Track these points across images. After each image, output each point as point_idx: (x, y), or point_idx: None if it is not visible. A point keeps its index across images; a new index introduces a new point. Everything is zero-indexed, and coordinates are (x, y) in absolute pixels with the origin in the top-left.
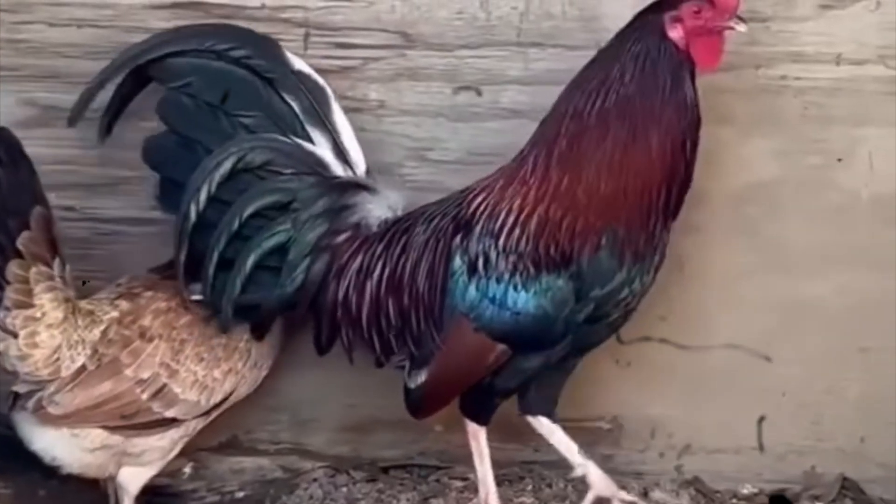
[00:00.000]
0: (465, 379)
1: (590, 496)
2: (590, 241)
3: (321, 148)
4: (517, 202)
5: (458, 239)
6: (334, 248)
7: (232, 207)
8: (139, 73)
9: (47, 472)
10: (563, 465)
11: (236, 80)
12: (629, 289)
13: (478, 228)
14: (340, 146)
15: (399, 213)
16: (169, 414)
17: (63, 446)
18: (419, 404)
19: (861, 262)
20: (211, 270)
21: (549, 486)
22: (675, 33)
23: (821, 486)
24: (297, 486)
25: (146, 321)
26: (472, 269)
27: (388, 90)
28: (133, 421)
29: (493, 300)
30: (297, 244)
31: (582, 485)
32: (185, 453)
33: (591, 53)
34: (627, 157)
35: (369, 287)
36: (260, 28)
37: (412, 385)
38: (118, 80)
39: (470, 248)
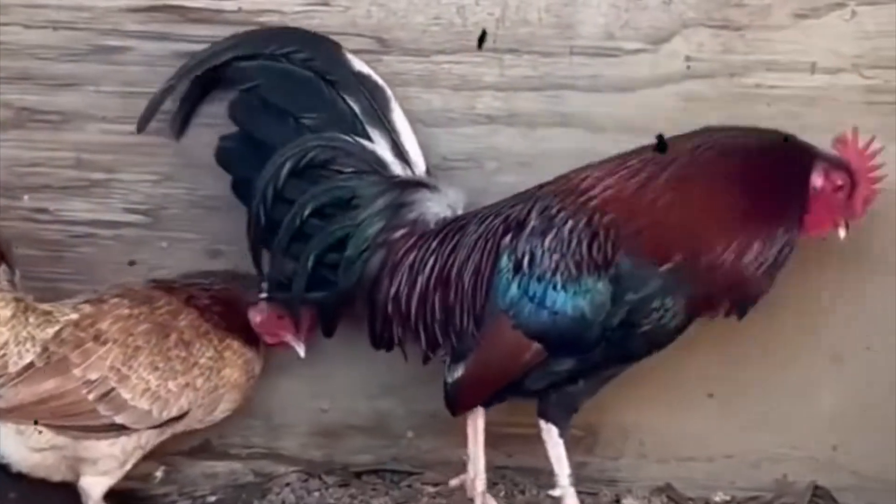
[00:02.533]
0: (500, 376)
1: None
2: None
3: (381, 147)
4: (588, 196)
5: (507, 238)
6: (391, 244)
7: (293, 207)
8: (206, 77)
9: (17, 474)
10: (535, 471)
11: (301, 81)
12: (662, 301)
13: (528, 229)
14: (400, 146)
15: (459, 211)
16: (118, 420)
17: (10, 443)
18: (455, 399)
19: (836, 269)
20: (275, 269)
21: (522, 492)
22: (817, 180)
23: (793, 493)
24: (269, 490)
25: (104, 325)
26: (517, 268)
27: None
28: (78, 422)
29: (532, 298)
30: (355, 239)
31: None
32: (157, 457)
33: (567, 60)
34: (710, 235)
35: (420, 281)
36: (235, 32)
37: (450, 379)
38: (186, 85)
39: (518, 248)
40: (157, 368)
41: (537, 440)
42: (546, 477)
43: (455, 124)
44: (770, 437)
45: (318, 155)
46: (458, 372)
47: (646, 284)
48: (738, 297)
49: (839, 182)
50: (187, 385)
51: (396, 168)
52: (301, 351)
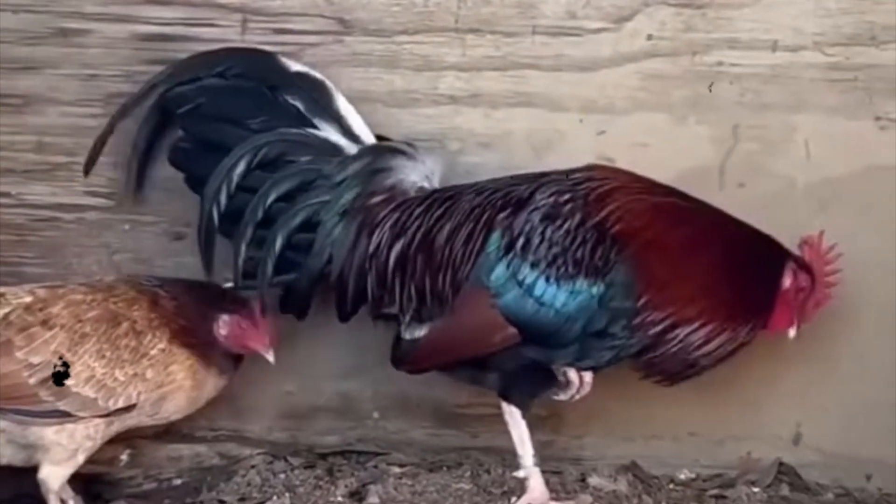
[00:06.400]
0: (465, 348)
1: (523, 501)
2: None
3: (332, 135)
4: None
5: (503, 214)
6: (368, 209)
7: (255, 197)
8: (157, 117)
9: None
10: (501, 451)
11: (241, 92)
12: (641, 317)
13: (529, 209)
14: (350, 131)
15: (436, 181)
16: (61, 406)
17: None
18: (408, 357)
19: (796, 247)
20: (241, 258)
21: (488, 472)
22: (787, 280)
23: (757, 471)
24: (235, 472)
25: (55, 309)
26: (508, 247)
27: (325, 76)
28: (20, 406)
29: (520, 283)
30: (330, 209)
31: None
32: (122, 440)
33: (529, 40)
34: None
35: (402, 242)
36: (196, 13)
37: (407, 336)
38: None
39: (514, 226)
40: (103, 356)
41: (501, 421)
42: (511, 457)
43: (417, 105)
44: (734, 414)
45: (270, 150)
46: (420, 332)
47: (630, 299)
48: (676, 373)
49: (803, 284)
50: (136, 375)
51: (352, 150)
52: (271, 358)
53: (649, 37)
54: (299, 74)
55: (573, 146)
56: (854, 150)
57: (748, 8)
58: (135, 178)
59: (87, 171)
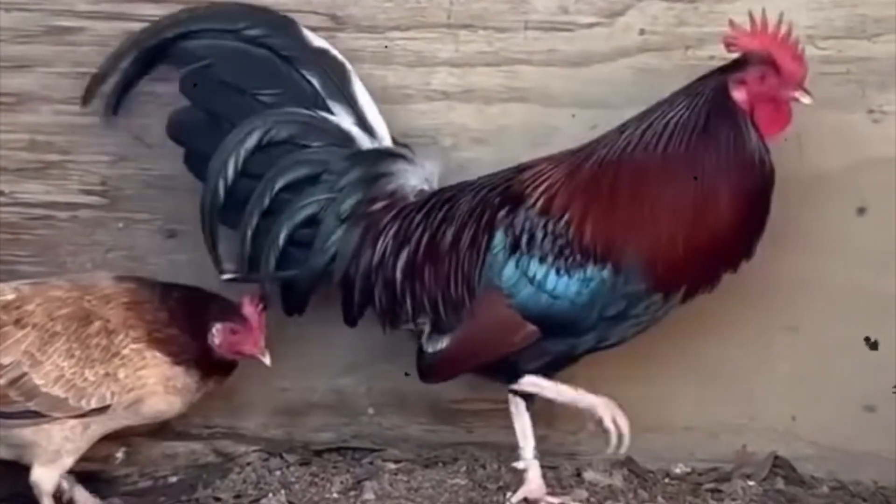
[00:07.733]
0: (487, 352)
1: (520, 493)
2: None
3: (345, 121)
4: (572, 192)
5: (503, 212)
6: (370, 215)
7: (261, 183)
8: (147, 55)
9: None
10: (496, 446)
11: (254, 58)
12: (650, 297)
13: (526, 205)
14: (364, 120)
15: (434, 183)
16: (32, 406)
17: None
18: (433, 369)
19: (789, 241)
20: (246, 248)
21: (483, 467)
22: (740, 95)
23: (752, 464)
24: (230, 470)
25: (30, 307)
26: (514, 246)
27: None
28: None
29: (532, 280)
30: (332, 212)
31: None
32: (118, 438)
33: (521, 35)
34: (696, 210)
35: (407, 251)
36: None
37: (430, 349)
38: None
39: (515, 224)
40: (73, 356)
41: (497, 416)
42: (507, 452)
43: (411, 101)
44: (729, 408)
45: (280, 131)
46: (442, 343)
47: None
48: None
49: (758, 74)
50: (107, 375)
51: (363, 141)
52: (267, 361)
53: (642, 31)
54: (320, 51)
55: (566, 141)
56: (847, 143)
57: (740, 1)
58: (114, 97)
59: (85, 103)
